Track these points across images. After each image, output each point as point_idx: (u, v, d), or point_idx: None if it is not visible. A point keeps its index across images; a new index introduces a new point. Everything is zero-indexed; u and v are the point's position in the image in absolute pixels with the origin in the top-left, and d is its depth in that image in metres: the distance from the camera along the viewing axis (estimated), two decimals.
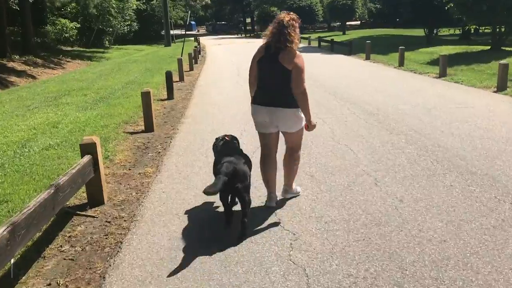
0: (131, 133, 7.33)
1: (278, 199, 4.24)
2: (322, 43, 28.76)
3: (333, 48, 24.85)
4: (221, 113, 8.63)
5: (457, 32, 29.74)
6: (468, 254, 3.21)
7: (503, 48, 16.94)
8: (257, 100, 4.05)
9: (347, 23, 49.64)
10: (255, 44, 30.65)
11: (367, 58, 18.97)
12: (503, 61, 10.81)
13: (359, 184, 4.67)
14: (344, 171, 5.10)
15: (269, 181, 4.17)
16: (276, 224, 3.84)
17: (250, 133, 6.61)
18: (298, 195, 4.40)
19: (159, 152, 6.23)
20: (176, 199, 4.48)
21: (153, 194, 4.66)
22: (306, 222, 3.85)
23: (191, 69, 17.31)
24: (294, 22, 3.88)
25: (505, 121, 7.11)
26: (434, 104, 8.70)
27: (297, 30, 3.89)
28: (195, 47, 23.38)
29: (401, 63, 15.68)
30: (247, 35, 59.20)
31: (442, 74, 12.77)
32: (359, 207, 4.10)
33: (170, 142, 6.71)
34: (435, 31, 24.69)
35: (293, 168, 4.22)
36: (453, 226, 3.64)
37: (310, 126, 3.96)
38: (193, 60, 18.55)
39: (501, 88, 10.13)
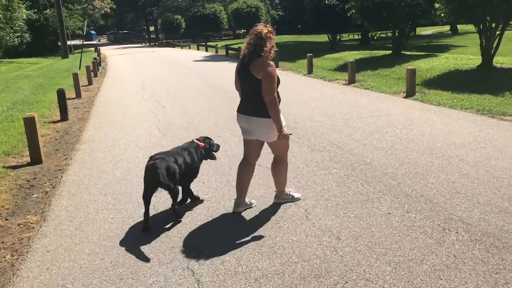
0: (14, 168, 6.11)
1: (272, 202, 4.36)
2: (230, 51, 28.32)
3: None
4: (124, 136, 7.63)
5: (356, 37, 30.94)
6: None
7: (403, 52, 17.55)
8: (238, 108, 4.18)
9: None
10: (160, 54, 29.71)
11: (276, 66, 18.66)
12: (410, 66, 10.93)
13: (289, 219, 4.04)
14: (269, 202, 4.44)
15: (239, 186, 4.25)
16: None
17: None
18: (297, 200, 4.39)
19: (46, 192, 5.14)
20: (64, 262, 3.51)
21: (34, 255, 3.64)
22: (231, 281, 3.11)
23: (90, 83, 15.85)
24: (271, 34, 3.96)
25: (423, 130, 6.93)
26: (350, 113, 8.42)
27: (273, 42, 3.97)
28: (94, 58, 21.73)
29: (310, 70, 15.57)
30: (151, 44, 57.27)
31: (351, 81, 12.74)
32: (292, 252, 3.45)
33: (61, 177, 5.62)
34: (338, 37, 25.24)
35: (278, 176, 4.29)
36: (403, 270, 3.11)
37: (280, 136, 3.88)
38: (92, 73, 17.07)
39: (410, 93, 10.19)
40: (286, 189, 4.43)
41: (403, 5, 15.63)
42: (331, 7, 22.71)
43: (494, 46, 12.05)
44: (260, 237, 3.70)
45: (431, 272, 3.07)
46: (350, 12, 17.94)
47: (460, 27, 37.23)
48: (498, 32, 11.91)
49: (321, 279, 3.06)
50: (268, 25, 4.05)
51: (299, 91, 11.84)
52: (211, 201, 4.57)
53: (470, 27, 13.74)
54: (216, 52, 31.08)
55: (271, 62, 3.91)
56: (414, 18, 16.17)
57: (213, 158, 4.79)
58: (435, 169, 5.13)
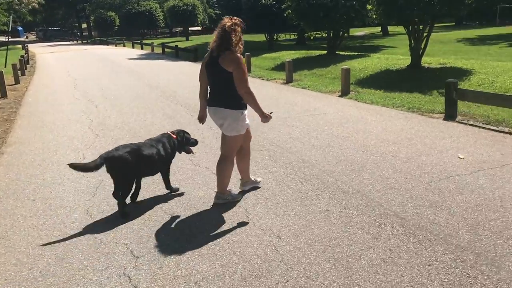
0: None
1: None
2: (166, 49, 27.83)
3: (178, 54, 24.14)
4: (55, 138, 7.24)
5: (293, 37, 31.46)
6: None
7: (338, 52, 18.03)
8: (208, 101, 4.25)
9: (189, 28, 49.39)
10: (93, 52, 28.61)
11: None
12: (344, 66, 11.24)
13: (229, 219, 3.99)
14: (209, 203, 4.37)
15: (220, 180, 4.31)
16: None
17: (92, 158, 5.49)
18: (238, 200, 4.36)
19: None
20: None
21: None
22: (170, 286, 3.01)
23: (17, 82, 14.96)
24: (236, 26, 3.97)
25: (358, 128, 7.12)
26: (288, 112, 8.51)
27: (239, 34, 3.99)
28: (22, 56, 20.55)
29: (248, 69, 15.59)
30: (84, 41, 55.10)
31: (288, 80, 12.91)
32: (233, 253, 3.40)
33: None
34: (275, 37, 25.52)
35: (222, 174, 4.26)
36: (342, 266, 3.16)
37: (263, 119, 4.09)
38: (19, 72, 16.13)
39: (345, 92, 10.47)
40: (227, 188, 4.39)
41: (338, 7, 16.05)
42: (268, 7, 22.93)
43: (422, 47, 12.64)
44: (200, 240, 3.63)
45: (369, 267, 3.13)
46: (287, 12, 18.18)
47: (390, 28, 38.90)
48: (425, 34, 12.51)
49: (262, 279, 3.04)
50: (234, 18, 4.06)
51: None
52: (148, 205, 4.42)
53: (400, 29, 14.36)
54: (152, 50, 30.43)
55: (239, 55, 3.96)
56: (348, 19, 16.64)
57: (188, 151, 4.78)
58: (369, 165, 5.28)
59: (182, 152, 4.76)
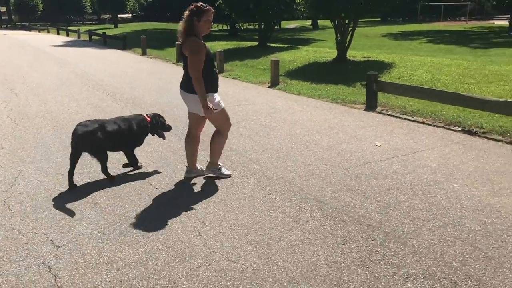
0: None
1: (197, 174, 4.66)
2: (94, 37, 26.81)
3: (106, 42, 23.35)
4: None
5: (226, 27, 31.43)
6: (285, 283, 2.88)
7: (269, 44, 18.30)
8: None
9: (118, 16, 47.80)
10: (14, 37, 26.98)
11: (144, 53, 18.27)
12: (274, 58, 11.46)
13: (155, 208, 4.01)
14: (134, 192, 4.35)
15: (188, 155, 4.63)
16: None
17: (10, 149, 5.26)
18: (227, 177, 4.64)
19: None
20: None
21: None
22: (92, 273, 3.00)
23: None
24: (200, 11, 4.03)
25: (285, 117, 7.34)
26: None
27: (203, 19, 4.05)
28: None
29: (179, 59, 15.46)
30: (3, 26, 51.63)
31: (219, 70, 12.92)
32: (157, 239, 3.43)
33: None
34: None
35: (213, 146, 4.56)
36: (263, 248, 3.29)
37: (204, 111, 4.10)
38: None
39: (274, 83, 10.70)
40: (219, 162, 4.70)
41: None
42: None
43: (348, 40, 13.16)
44: (124, 227, 3.62)
45: (288, 247, 3.30)
46: (218, 3, 18.14)
47: (320, 22, 39.97)
48: (350, 28, 13.02)
49: (185, 263, 3.10)
50: (199, 3, 4.09)
51: (168, 79, 11.69)
52: (72, 195, 4.33)
53: (329, 23, 14.78)
54: (79, 37, 29.23)
55: (198, 40, 4.05)
56: (278, 11, 16.90)
57: (161, 136, 5.00)
58: (294, 153, 5.48)
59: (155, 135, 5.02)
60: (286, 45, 18.37)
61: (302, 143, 5.89)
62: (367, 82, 8.14)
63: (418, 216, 3.79)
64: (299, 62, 13.81)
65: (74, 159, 4.40)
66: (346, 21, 12.93)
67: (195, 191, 4.37)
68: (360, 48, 18.38)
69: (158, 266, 3.07)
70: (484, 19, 44.78)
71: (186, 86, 4.26)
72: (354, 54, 14.27)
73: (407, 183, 4.54)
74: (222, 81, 11.62)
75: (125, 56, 18.15)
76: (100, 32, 27.47)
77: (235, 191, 4.36)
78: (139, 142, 4.86)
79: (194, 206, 4.01)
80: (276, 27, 20.38)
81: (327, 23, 37.00)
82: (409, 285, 2.85)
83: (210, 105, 4.09)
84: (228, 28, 30.21)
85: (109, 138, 4.44)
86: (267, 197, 4.20)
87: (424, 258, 3.14)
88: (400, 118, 7.39)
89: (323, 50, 15.79)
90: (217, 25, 32.45)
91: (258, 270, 3.02)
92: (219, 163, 4.69)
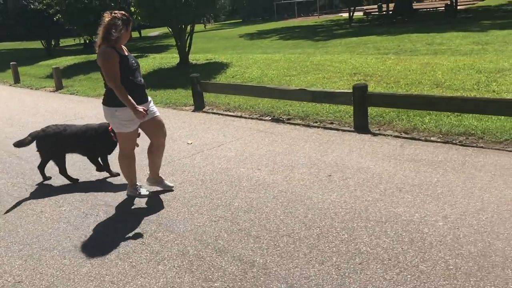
0: None
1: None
2: None
3: None
4: None
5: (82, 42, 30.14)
6: None
7: None
8: None
9: None
10: None
11: None
12: (54, 66, 11.34)
13: None
14: None
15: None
16: None
17: None
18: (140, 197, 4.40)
19: None
20: None
21: None
22: None
23: None
24: (116, 20, 3.84)
25: None
26: (45, 121, 8.31)
27: (120, 28, 3.84)
28: None
29: (17, 80, 14.59)
30: None
31: (58, 87, 12.51)
32: None
33: None
34: (54, 43, 24.20)
35: (121, 170, 4.39)
36: (32, 260, 3.38)
37: (136, 114, 3.81)
38: None
39: (58, 88, 10.59)
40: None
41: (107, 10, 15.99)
42: (39, 12, 21.55)
43: (187, 45, 13.53)
44: None
45: (59, 255, 3.42)
46: (57, 17, 17.43)
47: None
48: (188, 33, 13.40)
49: None
50: (115, 12, 3.93)
51: (0, 103, 11.00)
52: None
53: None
54: None
55: (109, 49, 3.81)
56: None
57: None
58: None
59: None
60: (136, 54, 18.25)
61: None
62: (192, 84, 8.51)
63: (196, 203, 4.15)
64: (144, 70, 13.85)
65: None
66: (183, 26, 13.27)
67: None
68: (214, 50, 19.00)
69: None
70: (333, 12, 48.50)
71: (104, 99, 4.02)
72: (198, 57, 14.71)
73: (200, 175, 4.91)
74: (59, 97, 11.42)
75: None
76: None
77: (25, 209, 4.35)
78: (101, 151, 4.95)
79: None
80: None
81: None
82: (160, 267, 3.15)
83: (140, 108, 3.81)
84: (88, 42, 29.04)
85: (67, 143, 4.77)
86: (57, 210, 4.27)
87: (185, 240, 3.48)
88: (222, 115, 7.87)
89: (170, 56, 16.03)
90: (74, 39, 31.02)
91: (19, 282, 3.11)
92: (137, 183, 4.50)
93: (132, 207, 4.21)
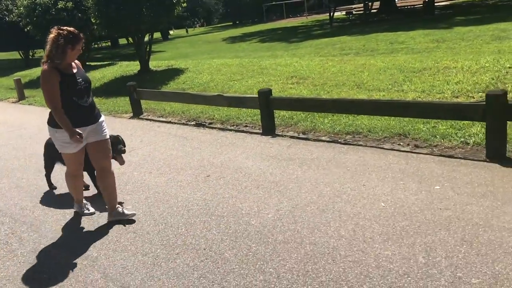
0: None
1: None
2: None
3: None
4: None
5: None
6: None
7: (88, 63, 18.51)
8: None
9: None
10: None
11: None
12: (16, 77, 11.79)
13: None
14: None
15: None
16: None
17: None
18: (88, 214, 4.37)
19: None
20: None
21: None
22: None
23: None
24: (60, 37, 3.61)
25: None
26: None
27: (77, 47, 3.69)
28: None
29: None
30: None
31: (20, 98, 12.99)
32: None
33: None
34: (32, 53, 24.73)
35: (67, 186, 4.35)
36: None
37: (71, 139, 3.68)
38: None
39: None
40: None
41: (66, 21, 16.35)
42: (15, 23, 21.99)
43: (147, 52, 13.98)
44: None
45: None
46: (28, 28, 17.87)
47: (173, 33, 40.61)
48: (146, 40, 13.86)
49: None
50: (61, 28, 3.65)
51: None
52: None
53: (179, 33, 15.26)
54: None
55: (50, 69, 3.62)
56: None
57: (117, 159, 4.64)
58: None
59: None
60: (105, 62, 18.75)
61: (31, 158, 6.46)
62: (129, 92, 8.95)
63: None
64: (107, 78, 14.32)
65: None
66: (140, 35, 13.72)
67: None
68: (191, 55, 19.49)
69: None
70: (323, 12, 48.51)
71: (48, 118, 3.85)
72: (160, 64, 15.18)
73: None
74: (18, 108, 11.85)
75: None
76: None
77: None
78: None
79: None
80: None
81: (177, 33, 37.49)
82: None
83: (76, 132, 3.66)
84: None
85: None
86: None
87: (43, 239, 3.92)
88: (154, 121, 8.32)
89: (135, 64, 16.46)
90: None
91: None
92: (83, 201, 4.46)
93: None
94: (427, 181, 4.18)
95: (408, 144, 5.32)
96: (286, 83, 9.55)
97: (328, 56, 13.46)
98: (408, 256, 3.02)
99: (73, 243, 3.84)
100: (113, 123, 8.45)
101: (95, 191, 4.79)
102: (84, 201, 4.43)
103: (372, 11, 31.84)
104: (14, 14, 19.64)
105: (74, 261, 3.49)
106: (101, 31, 14.06)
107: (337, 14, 41.22)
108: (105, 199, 4.17)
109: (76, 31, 3.72)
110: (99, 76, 14.82)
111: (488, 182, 4.02)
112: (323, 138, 5.99)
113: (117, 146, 4.54)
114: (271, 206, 4.04)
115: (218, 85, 10.63)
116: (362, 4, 32.98)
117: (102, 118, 4.07)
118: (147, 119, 8.51)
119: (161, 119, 8.39)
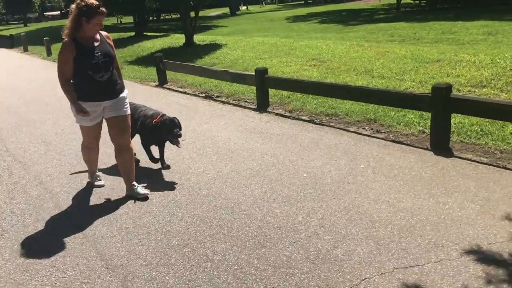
0: None
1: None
2: None
3: None
4: None
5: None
6: None
7: (145, 33, 19.71)
8: None
9: (48, 13, 48.33)
10: None
11: (25, 50, 19.37)
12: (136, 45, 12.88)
13: None
14: None
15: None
16: None
17: None
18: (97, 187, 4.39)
19: None
20: None
21: None
22: None
23: None
24: (89, 10, 3.54)
25: None
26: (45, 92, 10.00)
27: (93, 20, 3.57)
28: None
29: (49, 53, 16.71)
30: None
31: (48, 53, 14.35)
32: None
33: None
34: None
35: (82, 156, 4.35)
36: None
37: (77, 113, 3.74)
38: None
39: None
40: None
41: None
42: None
43: (192, 27, 14.81)
44: None
45: None
46: None
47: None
48: (193, 16, 14.67)
49: None
50: (83, 0, 3.56)
51: (38, 71, 12.92)
52: None
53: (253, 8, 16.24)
54: None
55: (67, 43, 3.61)
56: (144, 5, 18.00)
57: (171, 142, 4.53)
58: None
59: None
60: (160, 34, 19.85)
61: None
62: (156, 63, 9.79)
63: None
64: (154, 48, 15.33)
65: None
66: (185, 10, 14.55)
67: None
68: (248, 31, 19.96)
69: None
70: None
71: None
72: (204, 38, 15.96)
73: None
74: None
75: (4, 53, 19.24)
76: (7, 33, 28.06)
77: None
78: (147, 139, 4.72)
79: None
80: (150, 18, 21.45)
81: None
82: None
83: (80, 108, 3.70)
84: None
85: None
86: None
87: None
88: (174, 90, 9.13)
89: (182, 37, 17.37)
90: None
91: None
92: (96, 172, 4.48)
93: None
94: (357, 160, 4.61)
95: (372, 129, 5.69)
96: (304, 65, 9.96)
97: (372, 42, 13.53)
98: (291, 215, 3.56)
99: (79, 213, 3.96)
100: (137, 89, 9.35)
101: (148, 164, 4.90)
102: (97, 173, 4.46)
103: None
104: None
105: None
106: (152, 4, 15.03)
107: None
108: (122, 175, 4.13)
109: (96, 4, 3.56)
110: (149, 46, 15.88)
111: (409, 166, 4.39)
112: (303, 117, 6.46)
113: (173, 129, 4.42)
114: (215, 168, 4.67)
115: (245, 62, 11.20)
116: None
117: (124, 93, 3.97)
118: (168, 89, 9.32)
119: (179, 89, 9.17)
